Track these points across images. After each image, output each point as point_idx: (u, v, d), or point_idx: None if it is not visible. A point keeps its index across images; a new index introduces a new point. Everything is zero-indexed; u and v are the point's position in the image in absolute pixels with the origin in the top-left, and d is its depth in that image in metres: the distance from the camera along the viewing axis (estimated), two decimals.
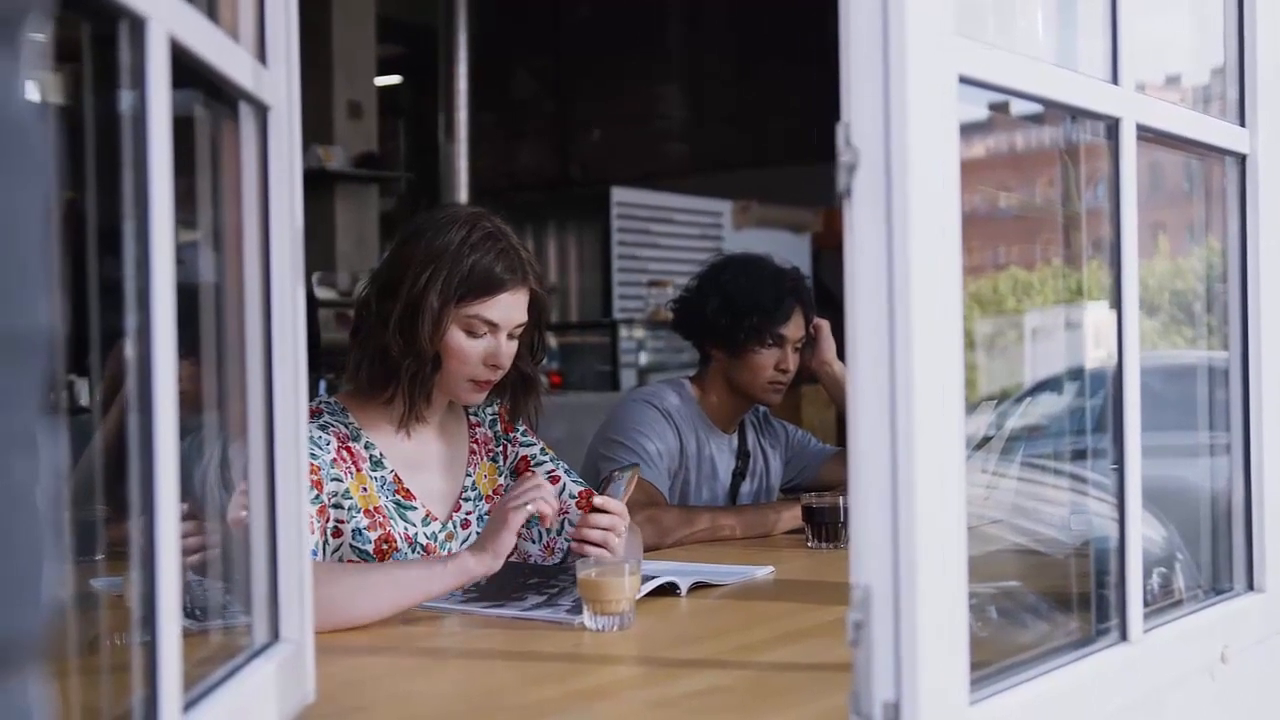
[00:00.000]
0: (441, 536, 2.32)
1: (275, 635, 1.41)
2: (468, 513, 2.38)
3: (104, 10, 0.98)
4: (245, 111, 1.37)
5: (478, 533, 2.35)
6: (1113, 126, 1.57)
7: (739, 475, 3.21)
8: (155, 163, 1.03)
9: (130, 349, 1.04)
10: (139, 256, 1.03)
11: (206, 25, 1.18)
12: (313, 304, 3.99)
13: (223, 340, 1.40)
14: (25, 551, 0.58)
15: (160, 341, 1.03)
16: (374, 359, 2.26)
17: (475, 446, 2.44)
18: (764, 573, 2.42)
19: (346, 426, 2.28)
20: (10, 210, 0.57)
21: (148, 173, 1.03)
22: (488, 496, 2.42)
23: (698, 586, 2.26)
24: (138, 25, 1.01)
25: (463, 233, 2.24)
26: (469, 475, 2.41)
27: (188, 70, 1.13)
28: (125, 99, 1.04)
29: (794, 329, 3.10)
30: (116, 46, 1.03)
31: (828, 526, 2.73)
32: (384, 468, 2.29)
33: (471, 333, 2.25)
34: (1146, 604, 1.60)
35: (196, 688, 1.18)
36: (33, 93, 0.61)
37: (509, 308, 2.27)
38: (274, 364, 1.40)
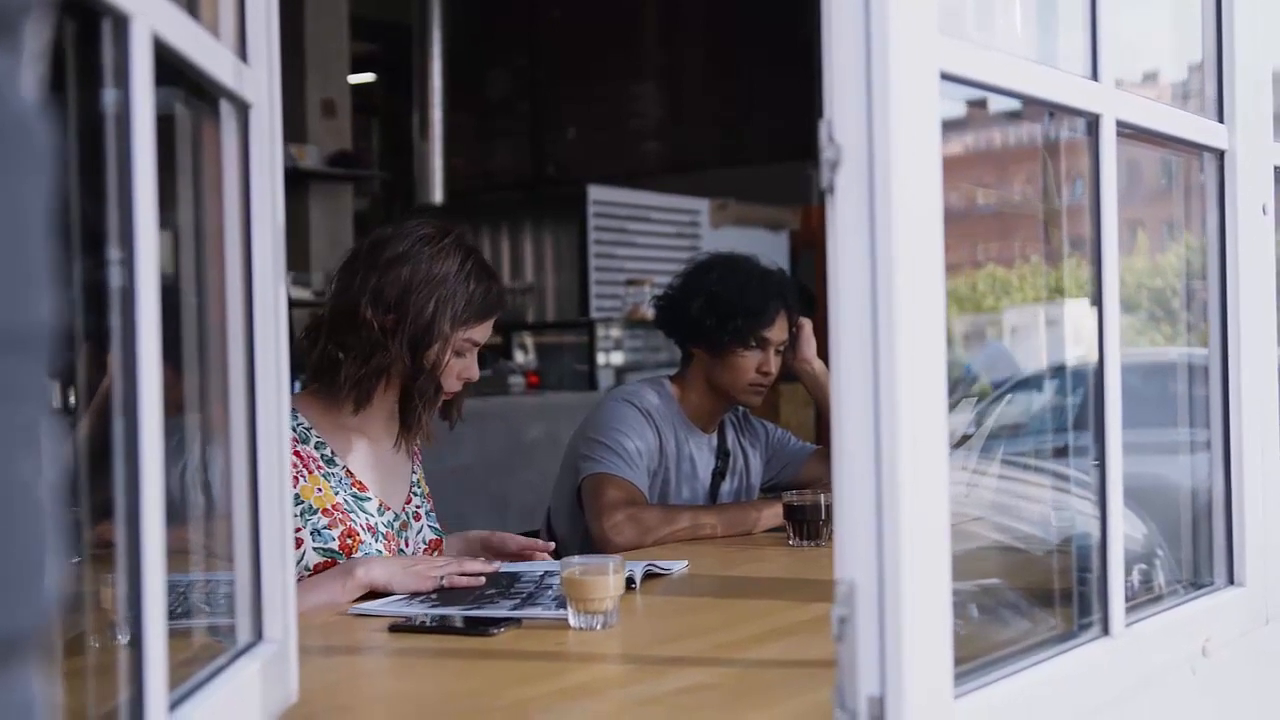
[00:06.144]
0: (397, 526, 2.43)
1: (259, 635, 1.40)
2: (417, 506, 2.52)
3: (87, 7, 0.98)
4: (226, 110, 1.36)
5: (428, 525, 2.51)
6: (1093, 122, 1.57)
7: (719, 474, 3.21)
8: (139, 160, 1.03)
9: (113, 349, 1.03)
10: (123, 256, 1.02)
11: (189, 23, 1.17)
12: (287, 304, 4.03)
13: (203, 341, 1.40)
14: (30, 546, 0.58)
15: (145, 342, 1.03)
16: (375, 375, 2.34)
17: (415, 450, 2.56)
18: (679, 567, 2.44)
19: (294, 429, 2.32)
20: (15, 206, 0.57)
21: (131, 171, 1.02)
22: (427, 495, 2.56)
23: (649, 576, 2.31)
24: (121, 23, 1.01)
25: (458, 260, 2.37)
26: (414, 473, 2.54)
27: (168, 68, 1.13)
28: (108, 97, 1.03)
29: (778, 332, 3.10)
30: (99, 43, 1.02)
31: (809, 524, 2.73)
32: (336, 465, 2.37)
33: (458, 353, 2.39)
34: (1127, 599, 1.61)
35: (181, 687, 1.17)
36: (33, 91, 0.61)
37: (490, 329, 2.44)
38: (256, 364, 1.39)
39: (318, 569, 2.26)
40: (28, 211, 0.58)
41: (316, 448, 2.36)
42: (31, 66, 0.60)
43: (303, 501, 2.28)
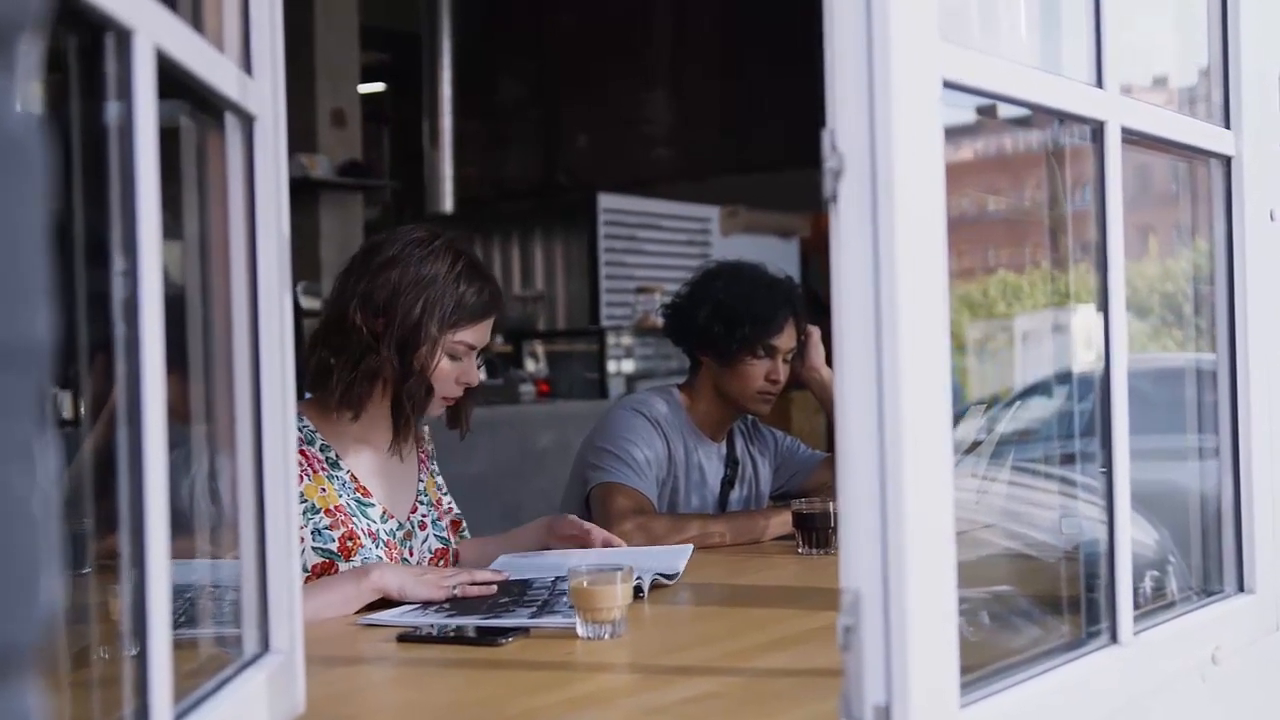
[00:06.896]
0: (400, 535, 2.43)
1: (265, 646, 1.40)
2: (423, 515, 2.51)
3: (90, 21, 0.98)
4: (231, 122, 1.37)
5: (434, 535, 2.50)
6: (1098, 130, 1.57)
7: (728, 483, 3.21)
8: (142, 173, 1.03)
9: (118, 361, 1.03)
10: (127, 268, 1.02)
11: (192, 36, 1.17)
12: (297, 314, 4.07)
13: (209, 352, 1.40)
14: (24, 560, 0.59)
15: (149, 353, 1.03)
16: (366, 379, 2.34)
17: (422, 457, 2.57)
18: (686, 553, 2.48)
19: (301, 431, 2.33)
20: (10, 222, 0.57)
21: (135, 183, 1.03)
22: (435, 503, 2.55)
23: (657, 586, 2.31)
24: (124, 37, 1.01)
25: (448, 262, 2.37)
26: (420, 481, 2.54)
27: (173, 81, 1.13)
28: (111, 110, 1.03)
29: (786, 340, 3.09)
30: (102, 57, 1.02)
31: (817, 532, 2.72)
32: (341, 469, 2.38)
33: (453, 356, 2.38)
34: (1138, 607, 1.60)
35: (187, 699, 1.18)
36: (29, 105, 0.61)
37: (487, 332, 2.43)
38: (262, 375, 1.40)
39: (316, 570, 2.26)
40: (22, 227, 0.58)
41: (322, 450, 2.36)
42: (26, 82, 0.60)
43: (306, 500, 2.28)
